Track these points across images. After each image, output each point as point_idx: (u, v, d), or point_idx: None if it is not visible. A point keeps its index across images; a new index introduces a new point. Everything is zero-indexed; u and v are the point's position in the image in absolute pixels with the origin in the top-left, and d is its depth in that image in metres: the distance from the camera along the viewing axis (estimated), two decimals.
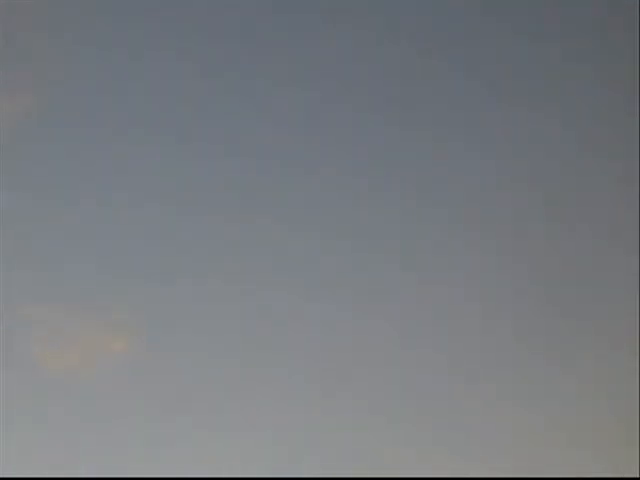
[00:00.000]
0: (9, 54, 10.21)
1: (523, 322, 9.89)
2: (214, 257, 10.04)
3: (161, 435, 9.23)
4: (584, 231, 10.12)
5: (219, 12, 10.73)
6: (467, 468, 9.12)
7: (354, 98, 10.63)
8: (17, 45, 10.32)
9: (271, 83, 10.66)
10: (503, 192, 10.35)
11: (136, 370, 9.47)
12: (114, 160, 10.30)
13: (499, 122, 10.55)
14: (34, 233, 9.85)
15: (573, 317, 9.84)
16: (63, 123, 10.39)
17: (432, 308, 9.99)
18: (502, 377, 9.68)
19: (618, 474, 8.90)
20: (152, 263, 9.96)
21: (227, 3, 10.76)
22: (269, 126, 10.54)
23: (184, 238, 10.07)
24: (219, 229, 10.09)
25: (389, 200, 10.38)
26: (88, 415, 9.28)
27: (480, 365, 9.76)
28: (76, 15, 10.52)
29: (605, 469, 8.95)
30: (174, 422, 9.29)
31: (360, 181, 10.43)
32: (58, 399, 9.30)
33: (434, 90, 10.70)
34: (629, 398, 9.23)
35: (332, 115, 10.59)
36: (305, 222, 10.28)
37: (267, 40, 10.72)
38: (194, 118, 10.56)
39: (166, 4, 10.68)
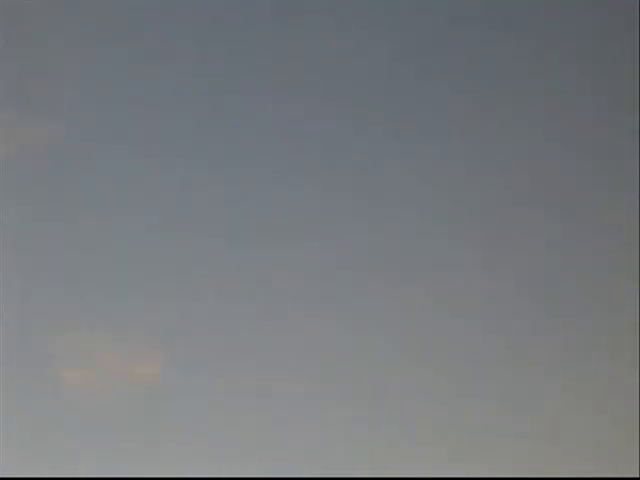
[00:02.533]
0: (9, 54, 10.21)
1: (523, 322, 9.91)
2: (224, 275, 10.02)
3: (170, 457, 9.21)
4: (584, 231, 10.14)
5: (219, 15, 10.76)
6: (467, 468, 9.13)
7: (355, 102, 10.66)
8: (17, 45, 10.33)
9: (272, 84, 10.70)
10: (503, 192, 10.37)
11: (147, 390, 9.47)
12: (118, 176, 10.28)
13: (499, 122, 10.57)
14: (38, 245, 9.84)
15: (573, 317, 9.86)
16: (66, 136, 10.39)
17: (432, 308, 10.01)
18: (502, 377, 9.70)
19: (618, 474, 8.91)
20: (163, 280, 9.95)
21: (227, 5, 10.78)
22: (262, 136, 10.54)
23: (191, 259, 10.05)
24: (225, 252, 10.05)
25: (388, 205, 10.40)
26: (98, 436, 9.26)
27: (480, 365, 9.78)
28: (76, 15, 10.55)
29: (605, 469, 8.97)
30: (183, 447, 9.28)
31: (359, 188, 10.44)
32: (71, 418, 9.29)
33: (433, 89, 10.70)
34: (629, 398, 9.24)
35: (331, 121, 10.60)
36: (305, 230, 10.32)
37: (269, 42, 10.75)
38: (192, 123, 10.57)
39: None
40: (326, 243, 10.17)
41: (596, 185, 10.27)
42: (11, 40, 10.15)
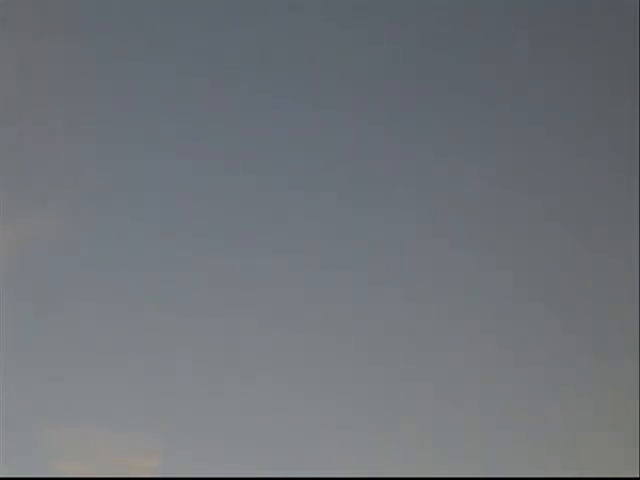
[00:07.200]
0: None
1: (524, 323, 9.95)
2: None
3: None
4: (584, 232, 10.16)
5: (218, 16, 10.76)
6: (467, 467, 9.18)
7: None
8: (17, 46, 10.34)
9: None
10: (503, 193, 10.39)
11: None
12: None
13: (499, 122, 10.59)
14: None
15: (573, 318, 9.89)
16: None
17: (432, 308, 10.04)
18: (503, 377, 9.74)
19: (618, 474, 8.94)
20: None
21: (227, 5, 10.79)
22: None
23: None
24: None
25: (388, 205, 10.44)
26: None
27: (481, 365, 9.82)
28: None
29: (605, 469, 9.00)
30: None
31: (358, 187, 10.46)
32: None
33: (431, 89, 10.73)
34: (629, 398, 9.27)
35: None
36: (305, 231, 10.34)
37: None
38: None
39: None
40: (325, 245, 10.24)
41: (596, 185, 10.31)
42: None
